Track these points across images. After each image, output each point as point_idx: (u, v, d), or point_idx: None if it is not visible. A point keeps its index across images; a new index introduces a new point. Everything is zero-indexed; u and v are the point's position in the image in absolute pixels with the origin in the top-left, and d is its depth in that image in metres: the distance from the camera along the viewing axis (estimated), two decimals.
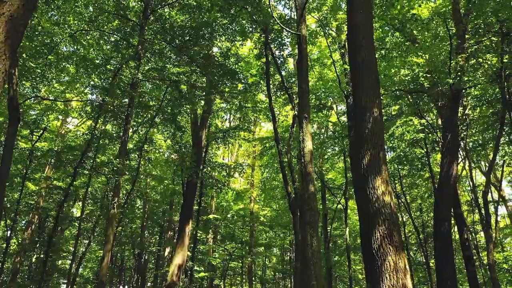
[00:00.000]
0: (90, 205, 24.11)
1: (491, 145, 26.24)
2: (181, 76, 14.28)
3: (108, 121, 17.80)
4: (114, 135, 19.64)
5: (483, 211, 18.57)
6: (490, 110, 23.13)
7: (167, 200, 29.16)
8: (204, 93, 18.53)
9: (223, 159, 30.23)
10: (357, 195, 10.24)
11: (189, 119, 21.39)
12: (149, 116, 17.35)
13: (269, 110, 15.55)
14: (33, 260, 25.01)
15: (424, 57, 17.69)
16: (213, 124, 22.19)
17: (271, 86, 17.27)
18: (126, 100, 15.29)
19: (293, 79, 18.10)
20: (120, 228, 27.30)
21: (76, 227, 29.72)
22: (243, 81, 16.34)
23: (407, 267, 9.27)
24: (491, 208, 24.69)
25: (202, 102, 19.97)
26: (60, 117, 25.19)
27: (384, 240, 9.23)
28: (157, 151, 23.01)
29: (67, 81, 20.76)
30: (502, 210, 38.77)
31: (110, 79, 18.13)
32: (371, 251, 9.26)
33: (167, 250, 29.23)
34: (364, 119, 10.56)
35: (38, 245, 23.90)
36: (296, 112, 16.34)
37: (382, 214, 9.49)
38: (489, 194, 24.13)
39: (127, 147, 14.14)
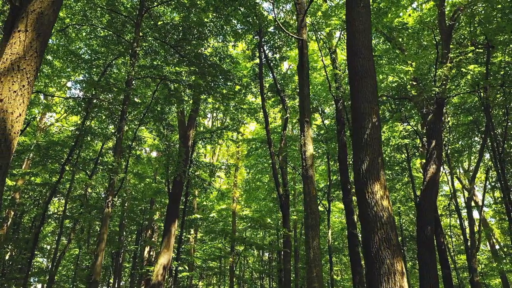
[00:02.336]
0: (69, 202, 23.58)
1: (468, 151, 27.23)
2: (178, 76, 14.18)
3: (95, 117, 17.50)
4: (99, 131, 19.34)
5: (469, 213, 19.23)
6: (469, 118, 23.98)
7: (147, 199, 28.83)
8: (194, 93, 18.48)
9: (205, 157, 30.14)
10: (358, 201, 10.48)
11: (176, 118, 21.25)
12: (138, 113, 17.15)
13: (262, 111, 15.62)
14: (6, 257, 24.27)
15: (412, 65, 18.17)
16: (201, 123, 22.11)
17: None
18: (120, 97, 15.07)
19: (284, 81, 18.24)
20: (98, 224, 26.87)
21: (51, 224, 29.05)
22: (237, 82, 16.37)
23: (404, 270, 9.55)
24: (463, 213, 25.64)
25: (191, 101, 19.88)
26: (37, 111, 24.53)
27: (382, 244, 9.49)
28: (139, 149, 22.74)
29: (46, 74, 20.24)
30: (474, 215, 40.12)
31: (99, 74, 17.88)
32: (370, 254, 9.52)
33: (147, 249, 28.91)
34: (363, 125, 10.81)
35: (12, 242, 23.22)
36: (288, 115, 16.52)
37: (381, 218, 9.75)
38: (466, 199, 24.93)
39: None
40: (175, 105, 18.85)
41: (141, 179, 26.23)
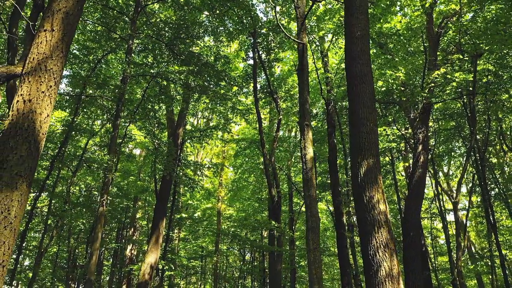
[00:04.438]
0: (47, 197, 23.08)
1: (448, 156, 27.95)
2: (173, 75, 14.08)
3: (86, 113, 17.22)
4: (87, 127, 19.04)
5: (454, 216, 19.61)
6: (451, 124, 24.65)
7: (131, 196, 28.50)
8: (184, 92, 18.39)
9: (190, 154, 30.02)
10: (355, 204, 10.68)
11: (165, 116, 21.11)
12: (129, 111, 16.96)
13: (256, 112, 15.68)
14: None
15: (401, 70, 18.56)
16: (189, 122, 21.99)
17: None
18: (109, 93, 14.87)
19: (277, 83, 18.33)
20: (81, 222, 26.42)
21: (34, 222, 28.37)
22: (232, 83, 16.37)
23: (400, 273, 9.80)
24: (447, 216, 26.33)
25: (181, 99, 19.78)
26: None
27: (380, 247, 9.70)
28: (127, 147, 22.49)
29: None
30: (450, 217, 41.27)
31: (89, 70, 17.58)
32: (367, 258, 9.71)
33: (129, 247, 28.60)
34: (361, 130, 11.00)
35: None
36: (281, 117, 16.63)
37: (378, 222, 9.96)
38: (453, 203, 25.60)
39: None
40: (165, 103, 18.73)
41: (126, 176, 25.94)
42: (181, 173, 20.13)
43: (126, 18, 15.71)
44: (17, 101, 4.41)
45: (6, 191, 3.93)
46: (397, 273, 9.64)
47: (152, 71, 16.69)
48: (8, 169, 4.03)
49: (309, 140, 10.46)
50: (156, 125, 18.29)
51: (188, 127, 22.37)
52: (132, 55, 16.14)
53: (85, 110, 18.44)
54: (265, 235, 30.93)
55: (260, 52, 16.70)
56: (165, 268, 19.51)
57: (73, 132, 17.77)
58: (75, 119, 16.38)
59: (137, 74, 14.87)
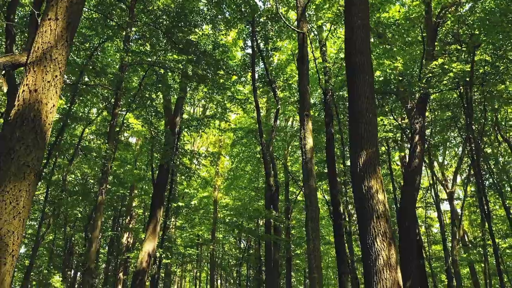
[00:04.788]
0: (43, 185, 23.01)
1: (443, 146, 28.14)
2: (171, 63, 13.98)
3: (83, 101, 17.10)
4: (83, 115, 18.94)
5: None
6: (448, 114, 24.76)
7: (127, 185, 28.48)
8: (181, 81, 18.30)
9: (187, 143, 30.01)
10: (354, 194, 10.75)
11: (162, 104, 21.01)
12: (126, 100, 16.85)
13: (254, 102, 15.66)
14: None
15: (399, 60, 18.56)
16: (186, 111, 21.92)
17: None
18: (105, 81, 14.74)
19: (275, 72, 18.28)
20: (78, 210, 26.41)
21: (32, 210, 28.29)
22: (230, 72, 16.28)
23: (398, 261, 9.93)
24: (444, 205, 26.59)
25: (178, 88, 19.68)
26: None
27: (378, 236, 9.81)
28: (124, 135, 22.42)
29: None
30: (444, 207, 41.74)
31: (86, 58, 17.41)
32: (366, 247, 9.83)
33: (125, 235, 28.68)
34: (361, 120, 11.04)
35: None
36: (279, 106, 16.63)
37: (377, 212, 10.05)
38: (448, 193, 25.82)
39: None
40: (163, 92, 18.63)
41: (122, 165, 25.90)
42: (178, 162, 20.13)
43: (123, 5, 15.53)
44: (23, 90, 4.38)
45: (14, 181, 3.93)
46: (395, 262, 9.77)
47: (149, 59, 16.56)
48: (15, 160, 4.02)
49: (309, 130, 10.49)
50: (153, 114, 18.21)
51: (185, 116, 22.31)
52: (130, 43, 16.02)
53: (81, 98, 18.32)
54: (261, 224, 31.15)
55: (259, 41, 16.61)
56: (162, 256, 19.62)
57: (69, 121, 17.68)
58: (72, 107, 16.27)
59: (135, 62, 14.75)
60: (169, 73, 16.81)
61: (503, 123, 25.74)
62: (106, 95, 16.51)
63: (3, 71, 4.97)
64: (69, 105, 15.94)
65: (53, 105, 4.52)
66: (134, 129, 19.64)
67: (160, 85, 17.80)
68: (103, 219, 33.14)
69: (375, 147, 10.92)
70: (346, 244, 15.99)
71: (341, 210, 16.93)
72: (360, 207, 10.29)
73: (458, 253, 29.86)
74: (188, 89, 19.00)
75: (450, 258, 16.86)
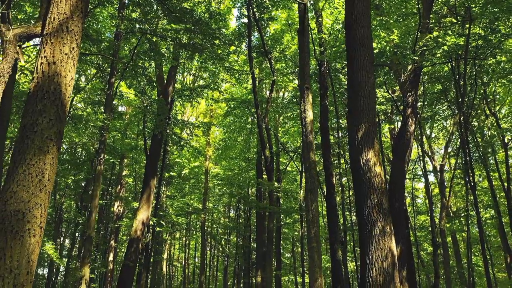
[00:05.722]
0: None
1: (432, 119, 28.55)
2: (172, 34, 13.71)
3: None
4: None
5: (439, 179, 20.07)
6: (438, 87, 25.02)
7: (117, 154, 28.40)
8: (174, 48, 18.03)
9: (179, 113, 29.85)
10: (352, 166, 10.96)
11: (154, 74, 20.75)
12: (120, 69, 16.58)
13: (250, 74, 15.57)
14: None
15: (395, 33, 18.50)
16: (178, 80, 21.67)
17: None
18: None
19: (271, 43, 18.10)
20: (70, 179, 26.36)
21: None
22: (227, 42, 16.02)
23: (392, 232, 10.28)
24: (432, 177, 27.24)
25: (171, 56, 19.37)
26: None
27: (374, 208, 10.11)
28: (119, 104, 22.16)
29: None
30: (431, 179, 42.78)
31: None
32: (362, 217, 10.13)
33: (116, 204, 28.83)
34: (360, 94, 11.15)
35: None
36: (275, 78, 16.59)
37: (373, 184, 10.32)
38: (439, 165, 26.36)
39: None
40: (156, 60, 18.35)
41: (113, 133, 25.72)
42: (171, 132, 20.09)
43: None
44: (41, 63, 4.33)
45: (39, 155, 3.94)
46: (390, 231, 10.13)
47: (141, 26, 16.21)
48: (39, 133, 4.02)
49: (309, 103, 10.56)
50: (145, 82, 17.97)
51: (177, 85, 22.08)
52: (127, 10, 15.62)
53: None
54: (250, 193, 31.57)
55: (255, 10, 16.33)
56: (156, 224, 19.86)
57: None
58: None
59: (129, 30, 14.43)
60: (164, 42, 16.50)
61: (491, 96, 26.16)
62: (100, 63, 16.20)
63: (19, 42, 4.88)
64: None
65: (71, 78, 4.49)
66: (128, 98, 19.39)
67: (152, 53, 17.51)
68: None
69: (373, 120, 11.08)
70: (338, 216, 16.36)
71: (334, 181, 17.23)
72: (357, 179, 10.54)
73: (445, 224, 30.90)
74: (183, 58, 18.73)
75: (437, 228, 17.46)
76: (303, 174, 25.50)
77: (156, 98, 19.51)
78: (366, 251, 9.82)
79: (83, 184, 29.54)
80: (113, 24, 14.79)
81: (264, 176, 24.32)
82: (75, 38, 4.55)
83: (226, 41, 15.00)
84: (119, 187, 29.77)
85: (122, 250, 41.27)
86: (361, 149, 10.58)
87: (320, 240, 9.27)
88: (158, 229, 22.31)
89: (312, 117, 10.62)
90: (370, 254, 9.72)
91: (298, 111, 24.75)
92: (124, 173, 30.56)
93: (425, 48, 18.35)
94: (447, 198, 16.61)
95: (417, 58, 18.21)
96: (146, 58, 18.18)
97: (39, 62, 4.36)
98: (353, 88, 11.42)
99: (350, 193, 24.05)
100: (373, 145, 10.70)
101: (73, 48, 4.51)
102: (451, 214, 32.67)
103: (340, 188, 21.88)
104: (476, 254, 36.52)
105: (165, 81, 20.26)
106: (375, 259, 9.66)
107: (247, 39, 18.27)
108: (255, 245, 29.03)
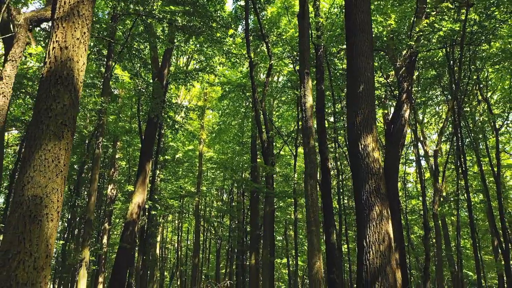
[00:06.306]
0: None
1: (424, 104, 28.76)
2: (169, 15, 13.51)
3: None
4: None
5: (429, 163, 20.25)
6: (432, 73, 25.16)
7: (110, 137, 28.28)
8: (169, 30, 17.83)
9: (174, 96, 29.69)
10: (350, 151, 11.07)
11: (148, 56, 20.54)
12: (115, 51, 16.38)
13: (248, 57, 15.50)
14: None
15: (392, 18, 18.47)
16: (173, 63, 21.48)
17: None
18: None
19: (268, 26, 17.98)
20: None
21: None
22: (226, 25, 15.86)
23: (389, 216, 10.48)
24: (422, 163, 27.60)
25: (166, 39, 19.17)
26: None
27: (372, 193, 10.29)
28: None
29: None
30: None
31: None
32: (360, 202, 10.30)
33: (110, 187, 28.81)
34: (360, 79, 11.22)
35: None
36: (272, 62, 16.54)
37: (372, 169, 10.48)
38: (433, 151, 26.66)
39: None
40: (151, 43, 18.15)
41: (110, 116, 25.56)
42: (166, 115, 20.03)
43: None
44: (53, 47, 4.29)
45: (54, 140, 3.95)
46: (387, 215, 10.34)
47: (137, 8, 15.98)
48: (53, 118, 4.02)
49: (309, 88, 10.59)
50: (140, 65, 17.80)
51: (172, 68, 21.91)
52: None
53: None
54: (244, 177, 31.72)
55: None
56: (151, 207, 19.94)
57: None
58: None
59: (126, 12, 14.22)
60: (160, 24, 16.30)
61: (484, 82, 26.40)
62: (94, 44, 15.98)
63: (30, 26, 4.82)
64: None
65: (83, 63, 4.47)
66: (124, 81, 19.21)
67: (147, 35, 17.31)
68: (86, 170, 33.07)
69: (372, 105, 11.18)
70: (332, 200, 16.54)
71: (329, 166, 17.40)
72: (356, 164, 10.68)
73: (438, 208, 31.45)
74: (180, 41, 18.55)
75: (430, 212, 17.77)
76: (297, 158, 25.68)
77: (151, 81, 19.36)
78: (364, 234, 10.02)
79: (75, 167, 29.41)
80: (107, 5, 14.52)
81: (259, 160, 24.46)
82: (86, 22, 4.51)
83: (224, 24, 14.86)
84: (112, 170, 29.71)
85: (115, 233, 41.45)
86: (360, 135, 10.70)
87: (319, 225, 9.43)
88: (153, 212, 22.41)
89: (312, 102, 10.67)
90: (368, 237, 9.92)
91: (293, 95, 24.77)
92: (117, 156, 30.49)
93: (421, 33, 18.40)
94: (441, 183, 16.88)
95: (413, 43, 18.27)
96: (141, 40, 18.00)
97: (51, 46, 4.33)
98: (352, 74, 11.47)
99: (342, 178, 24.31)
100: (371, 131, 10.82)
101: (84, 33, 4.48)
102: (441, 198, 33.27)
103: (336, 172, 22.09)
104: (464, 237, 37.35)
105: (160, 64, 20.10)
106: (372, 242, 9.87)
107: (243, 22, 18.14)
108: (248, 228, 29.35)
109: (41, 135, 3.92)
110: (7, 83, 5.16)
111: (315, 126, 18.01)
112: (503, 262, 26.26)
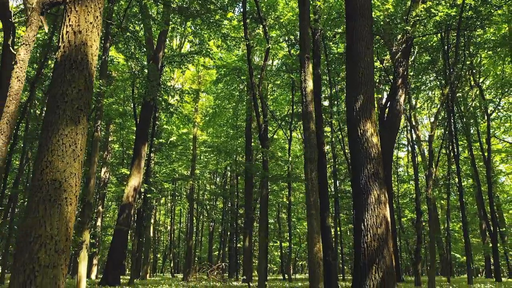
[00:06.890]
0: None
1: (418, 89, 28.94)
2: None
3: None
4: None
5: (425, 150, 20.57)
6: (426, 58, 25.26)
7: (105, 120, 28.08)
8: (164, 12, 17.63)
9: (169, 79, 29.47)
10: (349, 136, 11.16)
11: (143, 38, 20.30)
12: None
13: (245, 41, 15.40)
14: None
15: (389, 2, 18.44)
16: (168, 46, 21.25)
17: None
18: None
19: (266, 10, 17.84)
20: None
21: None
22: (224, 7, 15.70)
23: (387, 200, 10.66)
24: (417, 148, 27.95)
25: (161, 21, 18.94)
26: None
27: (370, 177, 10.44)
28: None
29: None
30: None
31: None
32: (358, 186, 10.45)
33: (103, 170, 28.74)
34: (359, 65, 11.26)
35: None
36: (270, 45, 16.47)
37: (370, 154, 10.61)
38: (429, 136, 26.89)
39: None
40: (145, 24, 17.93)
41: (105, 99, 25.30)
42: (161, 98, 19.92)
43: None
44: (67, 31, 4.26)
45: (71, 125, 3.96)
46: (385, 199, 10.51)
47: None
48: (69, 103, 4.01)
49: (309, 73, 10.62)
50: (135, 47, 17.61)
51: (166, 50, 21.70)
52: None
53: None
54: (238, 160, 31.83)
55: None
56: (147, 190, 19.99)
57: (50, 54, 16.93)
58: (53, 38, 15.53)
59: None
60: (155, 6, 16.09)
61: (476, 68, 26.60)
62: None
63: (43, 10, 4.76)
64: (49, 35, 15.18)
65: (97, 48, 4.44)
66: (119, 63, 19.01)
67: (142, 16, 17.08)
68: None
69: (371, 91, 11.26)
70: (328, 183, 16.75)
71: (325, 150, 17.54)
72: (354, 149, 10.80)
73: (431, 192, 31.92)
74: (176, 23, 18.34)
75: (423, 195, 18.08)
76: (291, 142, 25.78)
77: (146, 63, 19.18)
78: (362, 218, 10.20)
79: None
80: None
81: (253, 144, 24.53)
82: (98, 6, 4.47)
83: (221, 8, 14.71)
84: (105, 152, 29.61)
85: (107, 215, 41.50)
86: (359, 120, 10.80)
87: (318, 209, 9.58)
88: (149, 195, 22.46)
89: (312, 87, 10.71)
90: (366, 221, 10.10)
91: (287, 79, 24.72)
92: (110, 139, 30.35)
93: (417, 18, 18.42)
94: (434, 167, 17.15)
95: (409, 28, 18.31)
96: (137, 22, 17.77)
97: (64, 30, 4.29)
98: (352, 59, 11.51)
99: (337, 161, 24.51)
100: (370, 116, 10.92)
101: (97, 17, 4.45)
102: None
103: (332, 156, 22.26)
104: (453, 220, 38.09)
105: (155, 46, 19.91)
106: (370, 226, 10.06)
107: (240, 4, 17.97)
108: (240, 211, 29.60)
109: (57, 120, 3.92)
110: (21, 67, 5.12)
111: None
112: (490, 245, 26.95)
